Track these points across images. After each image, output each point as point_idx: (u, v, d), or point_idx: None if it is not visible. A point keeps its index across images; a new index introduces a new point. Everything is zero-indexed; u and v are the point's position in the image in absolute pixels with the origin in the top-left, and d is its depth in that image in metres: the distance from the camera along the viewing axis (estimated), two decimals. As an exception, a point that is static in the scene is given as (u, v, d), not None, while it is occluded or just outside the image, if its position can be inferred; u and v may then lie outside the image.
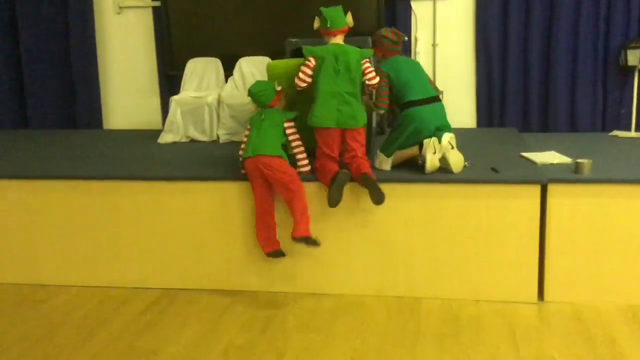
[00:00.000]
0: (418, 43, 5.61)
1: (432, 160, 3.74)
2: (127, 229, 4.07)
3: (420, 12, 5.56)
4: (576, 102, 5.36)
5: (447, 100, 5.42)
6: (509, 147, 4.55)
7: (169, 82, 6.00)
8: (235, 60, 5.47)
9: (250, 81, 5.29)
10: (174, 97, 5.23)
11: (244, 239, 3.93)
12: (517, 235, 3.69)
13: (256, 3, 5.56)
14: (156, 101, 6.12)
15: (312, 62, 3.71)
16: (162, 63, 5.96)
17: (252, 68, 5.35)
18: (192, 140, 5.25)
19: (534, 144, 4.67)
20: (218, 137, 5.17)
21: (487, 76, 5.52)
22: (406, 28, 5.57)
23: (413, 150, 3.88)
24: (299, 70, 3.76)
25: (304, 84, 3.74)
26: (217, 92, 5.27)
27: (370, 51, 3.81)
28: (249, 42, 5.56)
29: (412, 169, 3.88)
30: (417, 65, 4.05)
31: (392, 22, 5.55)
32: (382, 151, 3.95)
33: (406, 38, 4.22)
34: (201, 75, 5.49)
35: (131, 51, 6.08)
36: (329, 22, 3.70)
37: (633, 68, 5.13)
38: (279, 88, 3.77)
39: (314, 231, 3.72)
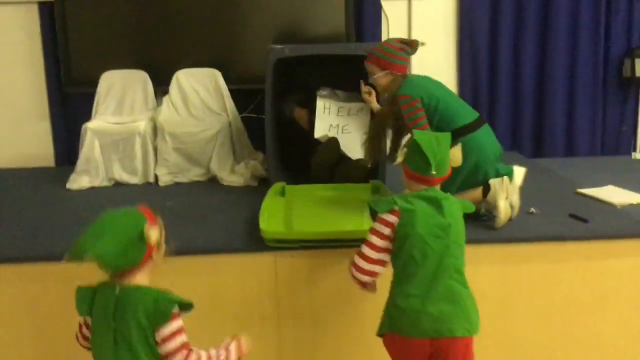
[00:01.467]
0: (390, 51, 4.60)
1: (505, 209, 2.77)
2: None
3: (392, 13, 4.56)
4: (574, 120, 4.63)
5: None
6: (545, 180, 3.67)
7: (64, 102, 4.50)
8: (165, 73, 4.11)
9: (195, 101, 3.98)
10: (89, 125, 3.78)
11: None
12: (619, 306, 2.79)
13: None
14: (45, 128, 4.56)
15: (391, 219, 2.11)
16: (53, 77, 4.44)
17: (194, 83, 4.02)
18: (117, 184, 3.82)
19: (561, 173, 3.84)
20: (156, 179, 3.80)
21: (472, 90, 4.63)
22: (375, 32, 4.55)
23: (475, 194, 2.85)
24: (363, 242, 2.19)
25: (372, 275, 2.18)
26: (148, 116, 3.90)
27: (471, 207, 2.31)
28: (183, 48, 4.22)
29: (473, 222, 2.85)
30: (439, 82, 3.04)
31: (359, 25, 4.50)
32: None
33: (423, 43, 3.03)
34: (122, 93, 4.05)
35: (7, 61, 4.46)
36: (433, 168, 2.11)
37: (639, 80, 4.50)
38: (153, 237, 1.79)
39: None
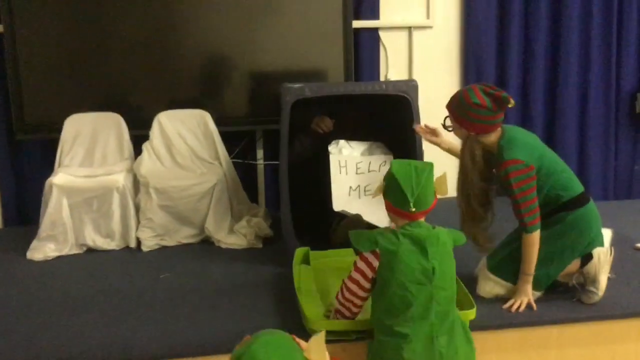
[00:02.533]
0: (388, 87, 4.14)
1: (606, 284, 2.34)
2: None
3: (391, 45, 4.11)
4: (587, 160, 4.30)
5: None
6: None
7: (13, 151, 3.78)
8: (143, 115, 3.49)
9: (181, 148, 3.38)
10: (54, 180, 3.10)
11: None
12: None
13: (162, 27, 3.59)
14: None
15: (372, 261, 1.98)
16: (1, 121, 3.73)
17: (179, 127, 3.42)
18: (90, 251, 3.16)
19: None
20: (139, 243, 3.16)
21: (479, 129, 4.23)
22: (372, 66, 4.09)
23: (572, 267, 2.40)
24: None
25: (357, 306, 2.08)
26: (125, 167, 3.27)
27: (462, 238, 2.12)
28: (158, 88, 3.59)
29: (555, 299, 2.41)
30: (539, 140, 2.55)
31: (355, 57, 4.02)
32: (532, 275, 2.35)
33: (512, 102, 2.39)
34: (91, 140, 3.39)
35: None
36: (411, 203, 1.95)
37: (654, 115, 4.22)
38: None
39: None
